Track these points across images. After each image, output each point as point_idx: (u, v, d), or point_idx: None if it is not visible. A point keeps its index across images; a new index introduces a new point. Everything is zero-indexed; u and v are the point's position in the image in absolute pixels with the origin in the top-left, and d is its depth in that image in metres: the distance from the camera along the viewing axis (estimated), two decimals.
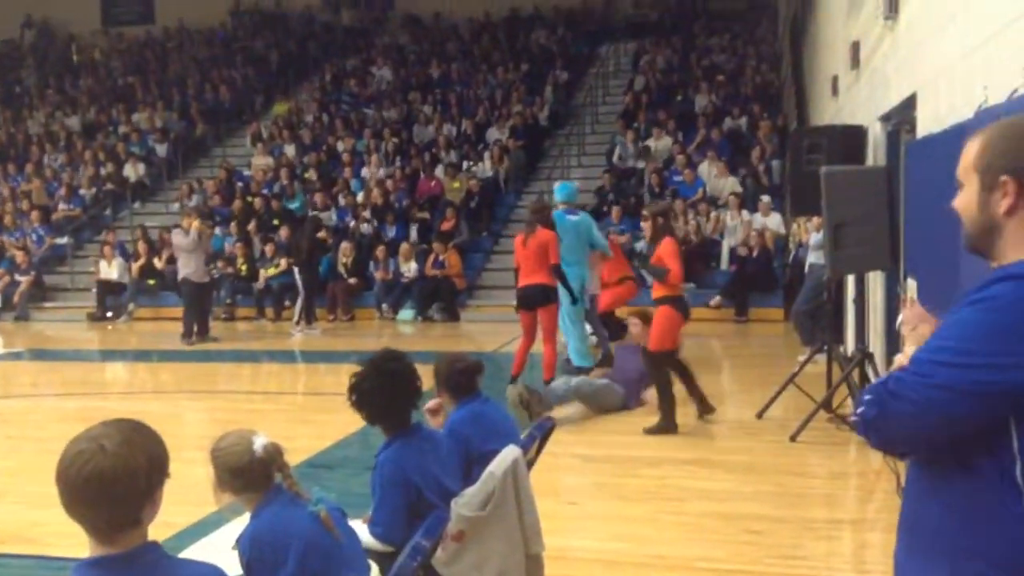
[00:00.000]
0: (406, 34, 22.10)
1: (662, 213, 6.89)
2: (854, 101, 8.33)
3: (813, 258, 8.95)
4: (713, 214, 13.69)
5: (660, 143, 15.65)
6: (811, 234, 9.25)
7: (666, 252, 6.55)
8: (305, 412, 7.99)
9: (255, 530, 2.48)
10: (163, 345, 11.96)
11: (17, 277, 15.19)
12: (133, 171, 18.12)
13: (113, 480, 1.64)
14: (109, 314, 14.39)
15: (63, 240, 16.53)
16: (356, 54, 21.58)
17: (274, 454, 2.52)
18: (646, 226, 6.89)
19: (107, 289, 14.59)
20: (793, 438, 6.11)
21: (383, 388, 3.11)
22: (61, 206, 17.32)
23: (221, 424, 6.51)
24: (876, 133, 7.13)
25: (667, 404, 6.48)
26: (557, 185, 9.33)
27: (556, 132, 17.64)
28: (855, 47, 7.80)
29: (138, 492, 1.67)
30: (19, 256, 15.40)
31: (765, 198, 13.37)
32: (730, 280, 12.72)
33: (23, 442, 6.93)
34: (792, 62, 16.64)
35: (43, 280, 15.66)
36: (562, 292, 7.66)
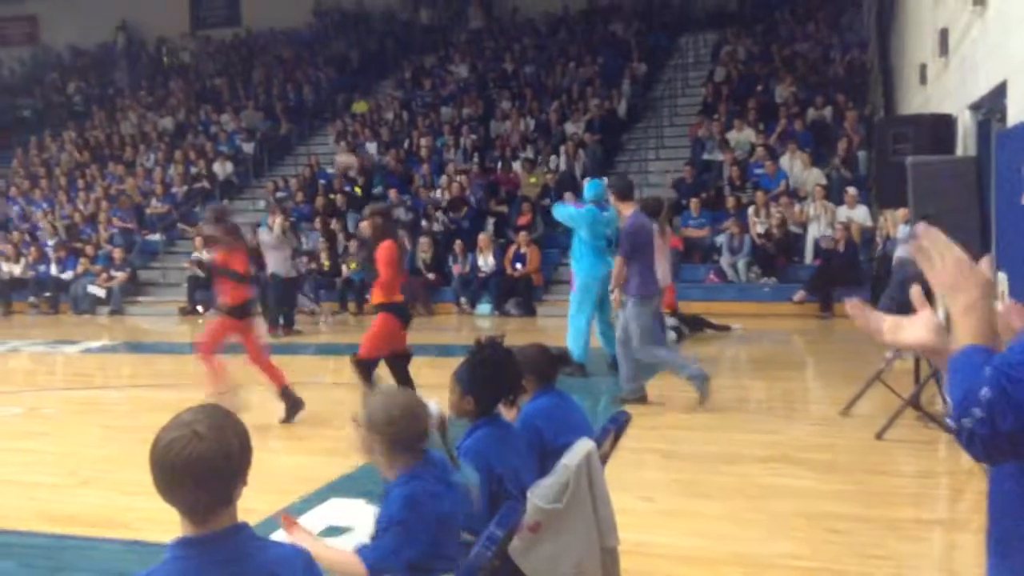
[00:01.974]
0: (484, 30, 22.20)
1: (382, 214, 6.55)
2: (943, 89, 8.07)
3: (901, 251, 8.71)
4: (796, 207, 13.42)
5: (741, 135, 15.40)
6: (899, 227, 9.00)
7: (381, 257, 6.28)
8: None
9: (411, 494, 2.53)
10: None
11: (113, 272, 15.81)
12: (221, 169, 18.67)
13: (211, 462, 1.72)
14: (199, 308, 14.85)
15: (156, 237, 17.13)
16: (434, 51, 21.77)
17: (440, 422, 2.58)
18: (364, 226, 6.50)
19: (197, 284, 15.07)
20: (879, 436, 5.96)
21: (489, 374, 3.13)
22: (154, 203, 17.95)
23: (313, 415, 6.70)
24: (965, 122, 6.90)
25: None
26: (587, 182, 9.21)
27: (634, 125, 17.51)
28: (943, 34, 7.56)
29: (231, 473, 1.76)
30: (115, 252, 16.02)
31: (851, 190, 13.05)
32: (814, 274, 12.45)
33: (117, 431, 7.20)
34: (878, 50, 16.17)
35: (137, 275, 16.26)
36: (577, 283, 7.74)
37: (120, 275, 15.70)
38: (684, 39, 19.98)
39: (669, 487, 5.33)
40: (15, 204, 19.07)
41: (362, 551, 2.54)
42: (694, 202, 13.92)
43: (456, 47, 21.68)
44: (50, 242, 16.99)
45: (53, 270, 16.31)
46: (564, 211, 8.77)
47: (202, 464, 1.72)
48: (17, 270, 16.40)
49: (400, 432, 2.58)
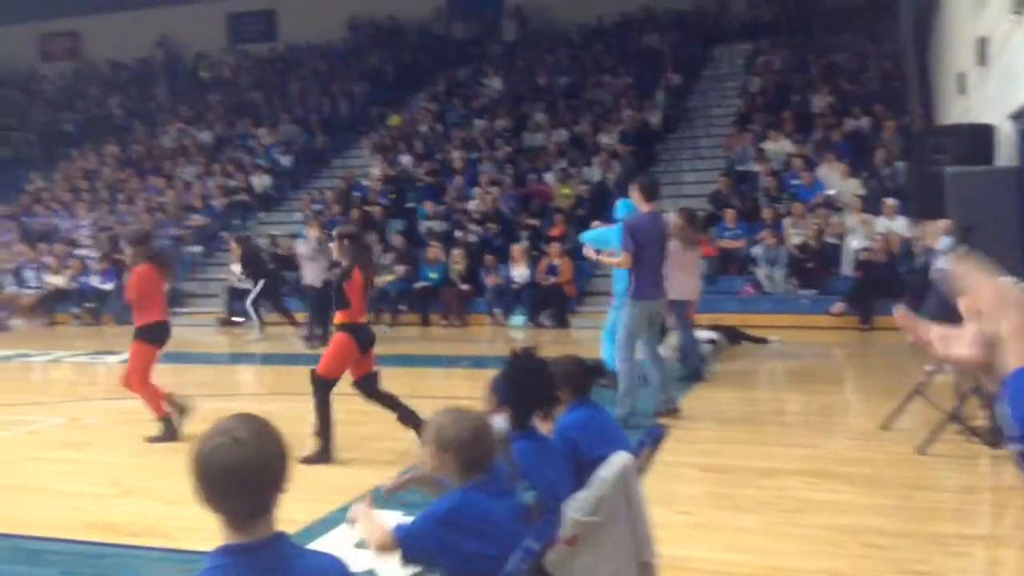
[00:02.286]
0: (517, 43, 22.29)
1: (350, 236, 6.46)
2: (982, 99, 7.97)
3: (941, 263, 8.59)
4: (834, 218, 13.29)
5: (776, 145, 15.30)
6: (939, 238, 8.88)
7: (351, 282, 6.24)
8: (421, 414, 8.14)
9: (460, 502, 2.54)
10: (286, 348, 12.39)
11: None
12: (259, 182, 18.90)
13: (252, 470, 1.74)
14: (238, 319, 15.00)
15: (195, 249, 17.36)
16: (468, 64, 21.90)
17: (505, 439, 2.59)
18: (334, 247, 6.50)
19: (235, 295, 15.23)
20: (920, 450, 5.87)
21: (525, 385, 3.13)
22: (193, 216, 18.21)
23: (342, 425, 6.74)
24: (1006, 132, 6.80)
25: (325, 430, 6.21)
26: (620, 202, 9.03)
27: (668, 136, 17.47)
28: (983, 43, 7.46)
29: (272, 481, 1.78)
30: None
31: (890, 201, 12.90)
32: (853, 286, 12.31)
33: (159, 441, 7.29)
34: (916, 60, 15.99)
35: (177, 286, 16.48)
36: (618, 293, 7.58)
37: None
38: (718, 49, 19.92)
39: (706, 501, 5.29)
40: (58, 216, 19.41)
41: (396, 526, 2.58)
42: (729, 213, 13.83)
43: (490, 60, 21.78)
44: (92, 254, 17.28)
45: (95, 282, 16.59)
46: (593, 234, 8.54)
47: (243, 471, 1.74)
48: (60, 281, 16.70)
49: (471, 453, 2.58)
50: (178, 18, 25.00)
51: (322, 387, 6.32)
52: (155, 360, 7.41)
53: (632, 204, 8.56)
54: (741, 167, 15.36)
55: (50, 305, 16.52)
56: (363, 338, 6.40)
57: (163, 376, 11.23)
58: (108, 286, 16.38)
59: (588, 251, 8.01)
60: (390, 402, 6.51)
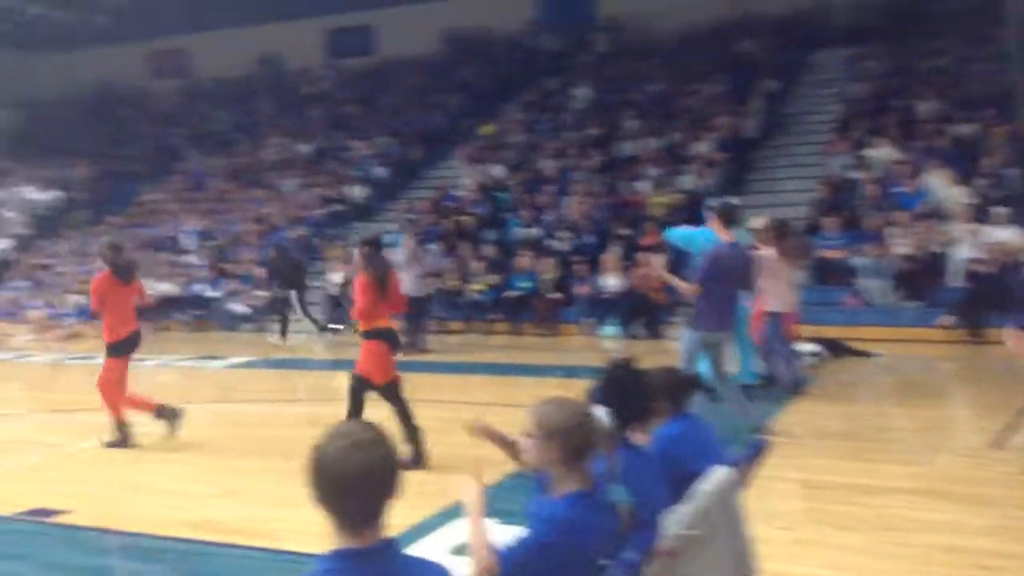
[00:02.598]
0: (609, 50, 22.22)
1: (370, 243, 6.73)
2: None
3: None
4: (940, 227, 12.82)
5: (879, 152, 14.84)
6: None
7: (357, 286, 6.54)
8: (514, 425, 8.18)
9: (560, 522, 2.49)
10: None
11: (256, 292, 16.56)
12: (356, 193, 19.33)
13: (372, 474, 1.77)
14: (338, 326, 15.33)
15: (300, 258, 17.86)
16: (559, 74, 21.91)
17: (607, 432, 2.56)
18: (356, 254, 6.73)
19: (334, 302, 15.61)
20: None
21: (622, 396, 3.07)
22: (294, 226, 18.73)
23: (438, 432, 6.82)
24: None
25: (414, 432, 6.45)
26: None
27: (765, 143, 17.14)
28: None
29: (388, 486, 1.81)
30: (259, 273, 16.78)
31: (1001, 209, 12.36)
32: (963, 298, 11.83)
33: (259, 444, 7.51)
34: (1022, 64, 15.33)
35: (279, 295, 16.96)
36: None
37: (263, 294, 16.42)
38: (817, 55, 19.46)
39: (807, 517, 5.15)
40: (168, 227, 20.22)
41: (502, 550, 2.53)
42: (830, 222, 13.48)
43: (581, 69, 21.77)
44: (199, 263, 17.96)
45: (202, 289, 17.22)
46: (679, 232, 8.37)
47: (363, 475, 1.76)
48: (170, 289, 17.38)
49: (576, 440, 2.53)
50: (279, 35, 25.83)
51: (395, 392, 6.58)
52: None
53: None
54: (841, 175, 14.96)
55: (161, 312, 17.20)
56: (390, 341, 6.62)
57: (264, 382, 11.60)
58: (214, 294, 16.99)
59: (656, 270, 7.83)
60: (405, 417, 6.64)
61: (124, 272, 7.49)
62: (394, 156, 20.50)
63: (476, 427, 3.03)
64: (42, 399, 10.55)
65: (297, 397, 9.91)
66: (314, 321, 14.91)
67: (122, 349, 7.48)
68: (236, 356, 13.30)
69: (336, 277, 15.86)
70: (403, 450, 6.46)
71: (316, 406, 9.16)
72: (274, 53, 26.37)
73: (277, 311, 14.97)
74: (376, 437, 1.82)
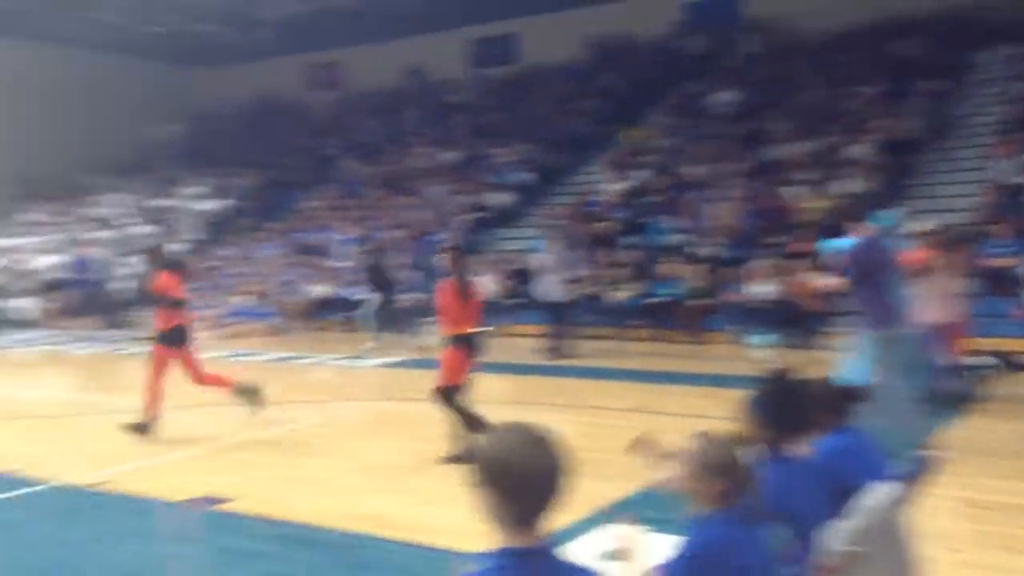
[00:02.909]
0: (755, 52, 21.68)
1: (455, 249, 6.85)
2: None
3: None
4: None
5: None
6: None
7: (444, 291, 6.67)
8: (659, 433, 8.10)
9: (710, 539, 2.47)
10: (524, 359, 12.74)
11: (404, 295, 17.03)
12: (499, 199, 19.62)
13: (553, 472, 1.80)
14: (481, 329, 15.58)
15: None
16: (703, 77, 21.57)
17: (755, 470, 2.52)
18: (443, 259, 6.77)
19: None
20: None
21: (780, 408, 3.02)
22: (440, 232, 19.17)
23: (583, 437, 6.85)
24: None
25: (473, 425, 6.50)
26: (879, 213, 8.35)
27: (925, 147, 16.33)
28: None
29: (558, 487, 1.82)
30: (410, 277, 17.26)
31: None
32: None
33: (410, 442, 7.72)
34: None
35: (424, 298, 17.42)
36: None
37: (410, 297, 16.87)
38: (977, 54, 18.36)
39: (976, 539, 4.88)
40: (323, 233, 21.08)
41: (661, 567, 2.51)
42: (999, 229, 12.71)
43: (727, 72, 21.34)
44: (351, 266, 18.64)
45: (353, 292, 17.87)
46: (834, 244, 8.08)
47: (540, 473, 1.78)
48: (325, 291, 18.12)
49: (732, 481, 2.50)
50: (425, 47, 26.56)
51: (448, 397, 6.74)
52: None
53: (894, 216, 8.08)
54: (1006, 179, 14.07)
55: (316, 313, 17.99)
56: (471, 346, 6.77)
57: (413, 381, 11.88)
58: (363, 296, 17.59)
59: (811, 277, 7.53)
60: (466, 414, 6.76)
61: (180, 273, 8.23)
62: (537, 162, 20.69)
63: (639, 441, 3.01)
64: (208, 392, 11.19)
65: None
66: (378, 330, 15.02)
67: (174, 338, 8.07)
68: (386, 356, 13.74)
69: (489, 281, 16.13)
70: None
71: (480, 407, 9.31)
72: (420, 65, 27.09)
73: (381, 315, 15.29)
74: (549, 436, 1.84)
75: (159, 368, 8.05)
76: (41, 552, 5.23)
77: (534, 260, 13.73)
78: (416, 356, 13.29)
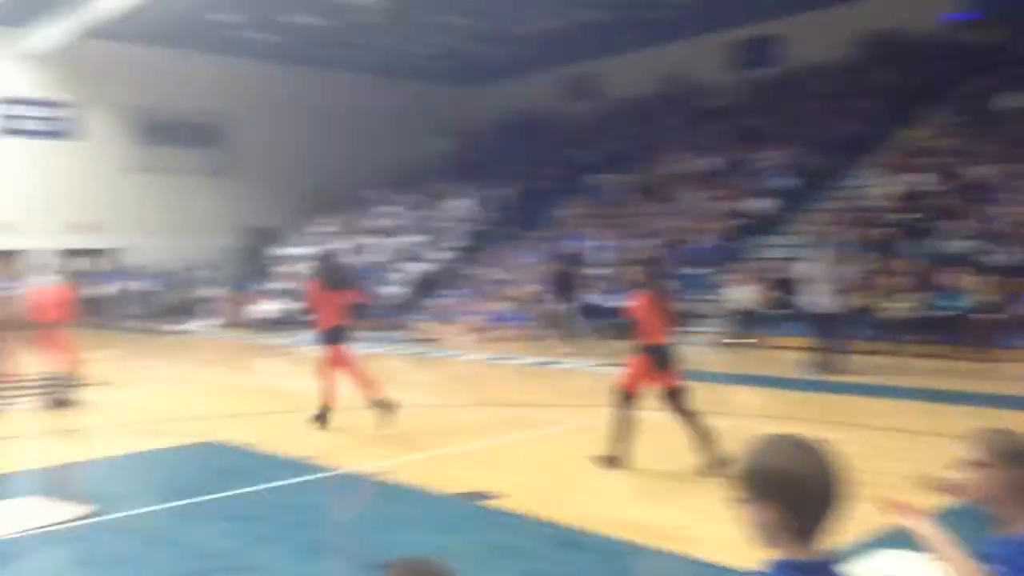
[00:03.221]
0: None
1: (646, 263, 7.29)
2: None
3: None
4: None
5: None
6: None
7: (637, 306, 6.91)
8: (946, 458, 7.44)
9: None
10: (789, 373, 12.19)
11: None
12: (761, 205, 18.96)
13: (840, 485, 1.73)
14: (745, 340, 15.14)
15: (703, 271, 17.98)
16: (990, 73, 19.60)
17: None
18: (633, 273, 7.10)
19: (739, 316, 15.46)
20: None
21: None
22: (699, 239, 18.88)
23: (863, 458, 6.43)
24: None
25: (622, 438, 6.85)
26: None
27: None
28: None
29: (841, 499, 1.73)
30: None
31: None
32: None
33: (682, 450, 7.61)
34: None
35: (683, 307, 17.20)
36: None
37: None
38: None
39: None
40: (580, 241, 21.42)
41: None
42: None
43: (1017, 66, 19.26)
44: (605, 274, 18.79)
45: (605, 300, 17.99)
46: None
47: (824, 485, 1.71)
48: (590, 298, 18.34)
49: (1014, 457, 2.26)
50: (682, 53, 26.30)
51: (622, 401, 7.04)
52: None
53: None
54: None
55: (572, 320, 18.27)
56: (658, 357, 6.93)
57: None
58: (615, 304, 17.65)
59: None
60: (691, 419, 6.93)
61: (332, 282, 9.33)
62: (802, 166, 19.79)
63: (940, 486, 2.72)
64: (474, 393, 11.69)
65: (721, 410, 9.91)
66: (573, 336, 15.44)
67: (330, 338, 9.08)
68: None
69: (740, 292, 15.67)
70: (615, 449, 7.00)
71: (741, 420, 9.07)
72: (677, 70, 26.83)
73: (561, 320, 15.76)
74: (825, 447, 1.76)
75: (338, 364, 9.15)
76: (324, 531, 5.66)
77: (799, 269, 13.12)
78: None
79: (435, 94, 31.79)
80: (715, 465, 6.59)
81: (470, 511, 6.11)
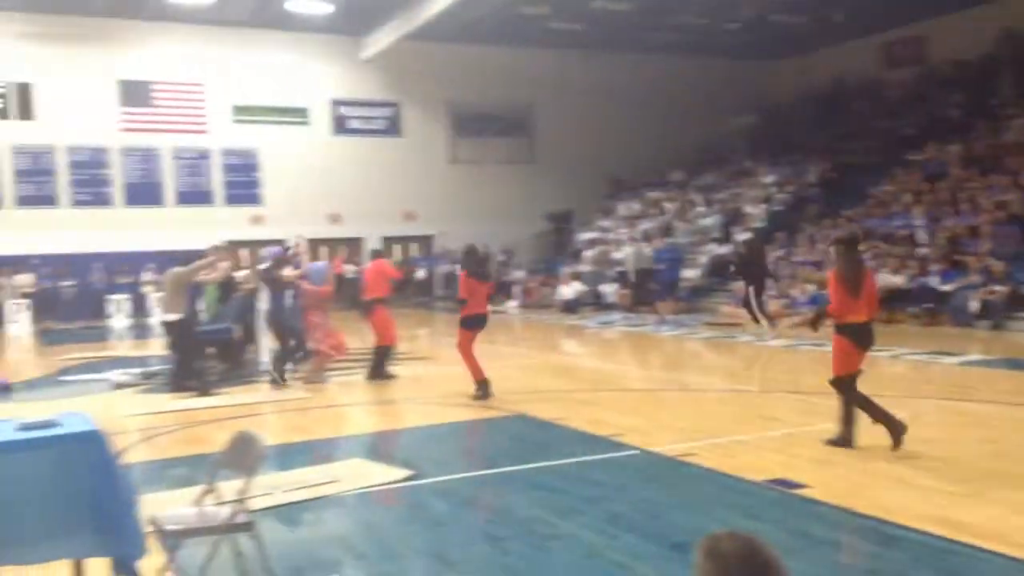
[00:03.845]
0: None
1: (844, 241, 7.14)
2: None
3: None
4: None
5: None
6: None
7: (830, 282, 7.01)
8: None
9: None
10: None
11: (993, 286, 15.32)
12: None
13: None
14: None
15: None
16: None
17: None
18: (831, 251, 7.26)
19: None
20: None
21: None
22: None
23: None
24: None
25: (883, 417, 6.84)
26: None
27: None
28: None
29: None
30: (995, 266, 15.49)
31: None
32: None
33: (998, 446, 7.05)
34: None
35: (1019, 290, 15.43)
36: None
37: (1000, 289, 15.11)
38: None
39: None
40: (900, 219, 19.86)
41: None
42: None
43: None
44: (931, 254, 17.28)
45: (933, 282, 16.56)
46: None
47: None
48: (899, 281, 17.08)
49: None
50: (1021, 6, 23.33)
51: (841, 387, 6.99)
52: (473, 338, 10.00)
53: None
54: None
55: (888, 304, 17.01)
56: (855, 336, 6.89)
57: (1001, 382, 10.58)
58: (947, 287, 16.20)
59: None
60: (865, 403, 6.94)
61: (479, 274, 10.10)
62: None
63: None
64: (777, 379, 11.27)
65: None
66: (756, 320, 15.24)
67: (471, 324, 9.98)
68: (970, 354, 12.47)
69: None
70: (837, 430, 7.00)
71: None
72: (1018, 25, 23.91)
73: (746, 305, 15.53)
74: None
75: (465, 346, 10.04)
76: (626, 507, 5.74)
77: None
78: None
79: (739, 67, 30.80)
80: (847, 440, 6.92)
81: (775, 497, 5.93)
